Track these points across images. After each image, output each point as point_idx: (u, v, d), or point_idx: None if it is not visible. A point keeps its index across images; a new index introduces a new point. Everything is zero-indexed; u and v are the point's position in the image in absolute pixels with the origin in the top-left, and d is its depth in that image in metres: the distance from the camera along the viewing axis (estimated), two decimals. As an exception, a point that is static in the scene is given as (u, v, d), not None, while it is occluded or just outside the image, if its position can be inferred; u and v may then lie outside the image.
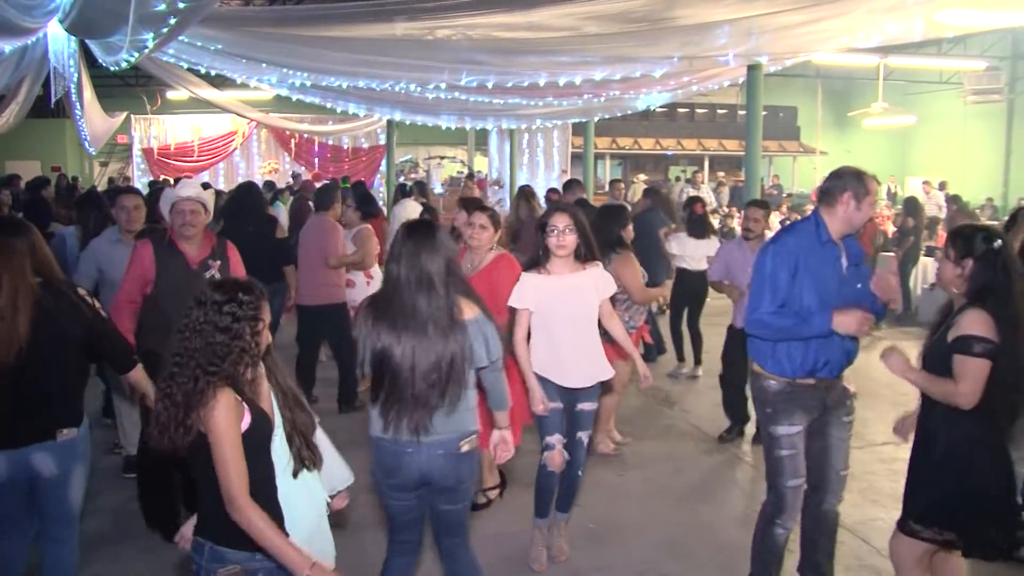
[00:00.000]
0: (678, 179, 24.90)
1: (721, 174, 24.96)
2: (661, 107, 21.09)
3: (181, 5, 4.97)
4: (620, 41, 7.57)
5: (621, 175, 25.99)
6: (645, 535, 5.23)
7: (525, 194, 9.24)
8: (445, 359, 3.39)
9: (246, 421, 2.71)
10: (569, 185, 9.76)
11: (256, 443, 2.75)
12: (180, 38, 7.47)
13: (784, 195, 22.26)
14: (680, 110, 25.23)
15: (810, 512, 4.20)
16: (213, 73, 10.99)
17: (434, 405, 3.40)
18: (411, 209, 13.07)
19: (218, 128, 24.99)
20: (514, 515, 5.34)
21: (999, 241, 3.42)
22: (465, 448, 3.52)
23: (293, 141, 25.50)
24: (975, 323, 3.35)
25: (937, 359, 3.49)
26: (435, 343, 3.38)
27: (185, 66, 10.75)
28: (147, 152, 24.59)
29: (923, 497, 3.54)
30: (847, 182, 3.91)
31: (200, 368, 2.68)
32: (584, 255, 4.57)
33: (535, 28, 7.19)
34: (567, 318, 4.54)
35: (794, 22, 7.10)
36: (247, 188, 8.07)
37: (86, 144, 18.11)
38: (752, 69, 9.03)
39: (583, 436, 4.70)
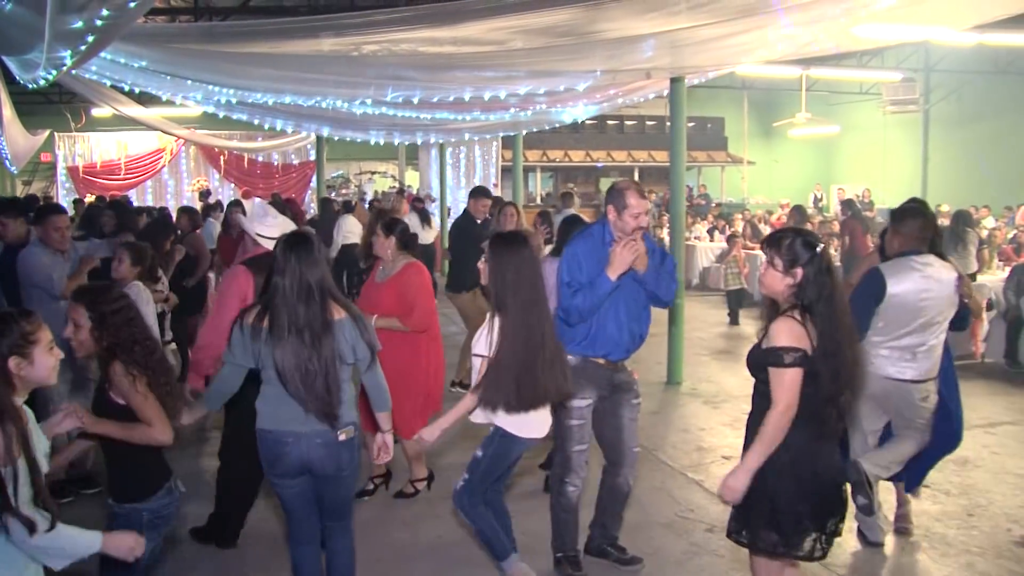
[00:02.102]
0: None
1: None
2: (591, 120, 21.29)
3: (99, 23, 4.89)
4: (545, 55, 7.63)
5: (552, 188, 26.19)
6: (528, 534, 5.19)
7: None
8: (318, 359, 3.67)
9: None
10: (474, 193, 9.24)
11: None
12: (102, 55, 7.36)
13: (713, 204, 22.63)
14: (610, 122, 25.49)
15: (608, 483, 4.91)
16: (138, 90, 10.83)
17: (313, 399, 3.67)
18: (352, 224, 13.05)
19: (145, 145, 24.50)
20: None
21: (821, 246, 3.45)
22: (342, 437, 3.81)
23: (222, 158, 25.15)
24: (781, 333, 3.36)
25: (755, 367, 3.52)
26: (311, 345, 3.67)
27: (108, 83, 10.55)
28: (72, 170, 24.04)
29: (751, 510, 3.49)
30: (610, 196, 4.58)
31: None
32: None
33: (461, 43, 7.22)
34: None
35: (715, 35, 7.22)
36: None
37: (7, 163, 17.68)
38: (675, 82, 9.17)
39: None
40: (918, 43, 19.16)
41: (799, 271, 3.40)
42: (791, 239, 3.47)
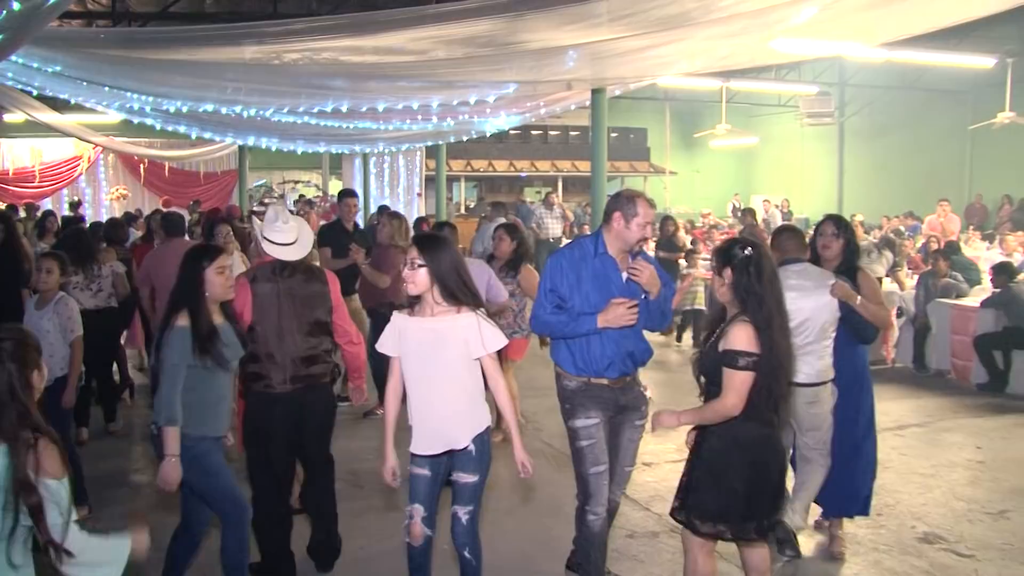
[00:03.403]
0: (532, 201, 25.29)
1: (554, 196, 25.26)
2: (515, 130, 21.40)
3: (8, 24, 4.79)
4: (467, 65, 7.69)
5: (476, 197, 26.25)
6: (497, 553, 5.28)
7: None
8: None
9: None
10: (342, 195, 8.93)
11: None
12: (13, 58, 7.20)
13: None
14: (534, 132, 25.65)
15: None
16: (50, 94, 10.60)
17: None
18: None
19: (61, 152, 23.80)
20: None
21: (749, 248, 3.66)
22: None
23: (143, 166, 24.62)
24: (738, 337, 3.60)
25: (710, 367, 3.76)
26: None
27: (20, 87, 10.30)
28: (-17, 178, 23.34)
29: (699, 497, 3.77)
30: (619, 203, 4.31)
31: None
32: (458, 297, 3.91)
33: (383, 52, 7.24)
34: (423, 372, 3.97)
35: (636, 47, 7.36)
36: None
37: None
38: (596, 93, 9.31)
39: (460, 512, 4.08)
40: (832, 58, 19.72)
41: (728, 271, 3.66)
42: (726, 244, 3.80)
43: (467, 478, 4.01)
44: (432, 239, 4.14)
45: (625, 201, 4.28)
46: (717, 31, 6.98)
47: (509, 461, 6.37)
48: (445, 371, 3.90)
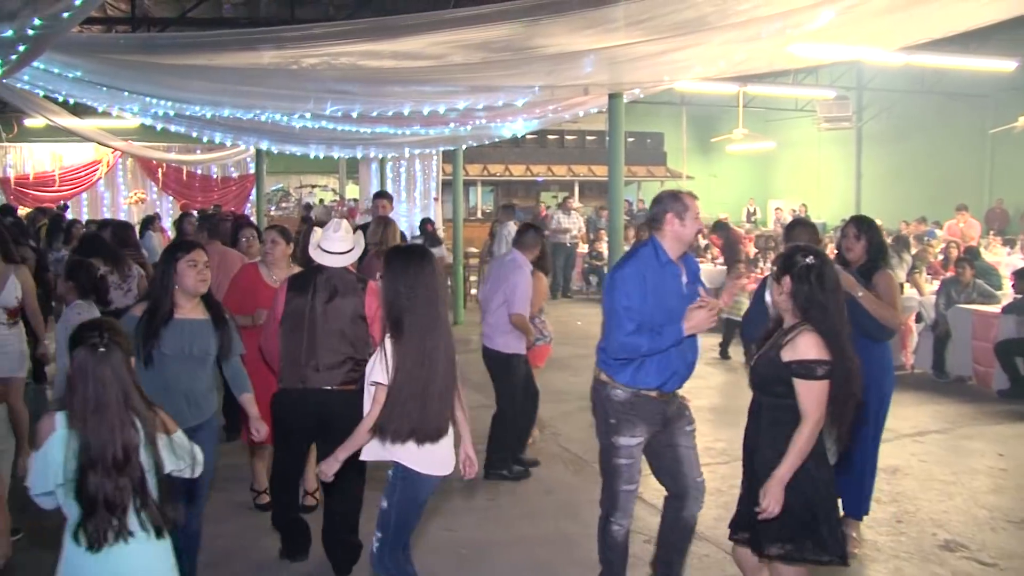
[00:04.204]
0: (549, 206, 25.29)
1: (571, 201, 25.15)
2: (531, 134, 21.43)
3: (31, 32, 4.83)
4: (484, 70, 7.67)
5: (493, 202, 26.28)
6: (515, 557, 5.30)
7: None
8: None
9: None
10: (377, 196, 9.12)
11: None
12: (35, 64, 7.24)
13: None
14: (550, 137, 25.67)
15: (670, 517, 4.50)
16: (72, 101, 10.66)
17: None
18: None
19: (81, 157, 24.01)
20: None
21: (811, 257, 3.56)
22: None
23: (160, 171, 24.79)
24: (811, 347, 3.49)
25: (769, 376, 3.65)
26: None
27: (42, 94, 10.37)
28: (3, 182, 23.49)
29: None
30: (667, 204, 4.23)
31: None
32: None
33: (401, 57, 7.23)
34: None
35: (653, 52, 7.32)
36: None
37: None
38: (613, 97, 9.27)
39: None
40: (850, 62, 19.63)
41: (787, 280, 3.56)
42: (789, 251, 3.69)
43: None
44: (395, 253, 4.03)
45: (672, 200, 4.23)
46: (734, 35, 6.93)
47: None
48: None
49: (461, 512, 5.84)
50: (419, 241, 13.05)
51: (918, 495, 6.37)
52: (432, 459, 3.87)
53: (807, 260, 3.55)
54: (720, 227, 13.82)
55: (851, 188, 25.50)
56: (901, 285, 10.69)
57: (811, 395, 3.49)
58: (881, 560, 5.27)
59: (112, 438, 2.88)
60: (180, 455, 3.16)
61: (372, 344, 4.84)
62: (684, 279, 4.26)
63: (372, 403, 3.84)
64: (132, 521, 2.92)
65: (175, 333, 4.32)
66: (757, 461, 3.67)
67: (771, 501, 3.48)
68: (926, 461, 7.17)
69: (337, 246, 4.82)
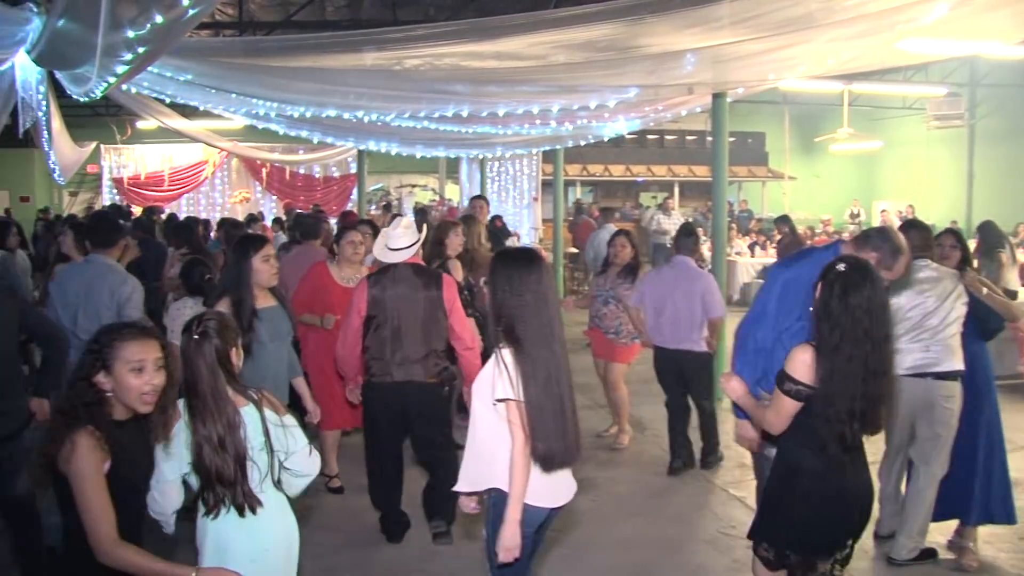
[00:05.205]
0: (648, 207, 25.09)
1: (671, 202, 24.83)
2: (631, 134, 21.26)
3: (149, 36, 4.98)
4: (586, 70, 7.64)
5: (592, 201, 26.17)
6: (617, 559, 5.26)
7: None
8: None
9: (106, 465, 2.75)
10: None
11: (120, 487, 2.79)
12: (150, 69, 7.47)
13: (753, 220, 22.49)
14: (650, 137, 25.44)
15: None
16: (182, 103, 10.99)
17: None
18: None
19: (189, 157, 24.80)
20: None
21: (843, 265, 3.29)
22: None
23: (264, 170, 25.41)
24: (795, 361, 3.32)
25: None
26: None
27: (154, 96, 10.73)
28: (117, 181, 24.40)
29: (766, 523, 3.60)
30: (878, 246, 3.85)
31: (57, 411, 2.89)
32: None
33: (503, 57, 7.25)
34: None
35: (758, 50, 7.19)
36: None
37: (56, 174, 17.98)
38: (717, 96, 9.14)
39: None
40: (964, 57, 18.94)
41: (820, 285, 3.34)
42: (835, 259, 3.43)
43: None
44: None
45: (890, 254, 3.81)
46: (842, 32, 6.77)
47: (629, 469, 6.36)
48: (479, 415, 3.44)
49: (562, 513, 5.80)
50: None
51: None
52: (552, 488, 3.40)
53: (839, 268, 3.29)
54: (783, 220, 13.44)
55: (962, 189, 24.59)
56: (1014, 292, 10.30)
57: (774, 402, 3.41)
58: (998, 578, 5.05)
59: (214, 419, 3.03)
60: (293, 436, 3.28)
61: (451, 335, 5.14)
62: None
63: (511, 425, 3.22)
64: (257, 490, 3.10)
65: (262, 323, 4.68)
66: (767, 471, 3.72)
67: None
68: (1047, 474, 6.84)
69: (402, 242, 5.10)
